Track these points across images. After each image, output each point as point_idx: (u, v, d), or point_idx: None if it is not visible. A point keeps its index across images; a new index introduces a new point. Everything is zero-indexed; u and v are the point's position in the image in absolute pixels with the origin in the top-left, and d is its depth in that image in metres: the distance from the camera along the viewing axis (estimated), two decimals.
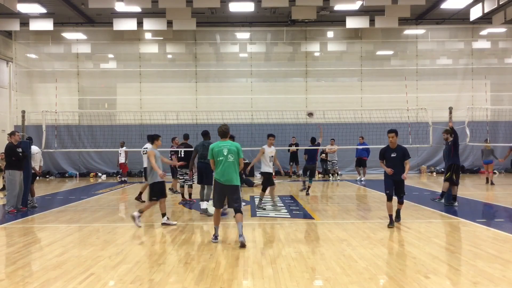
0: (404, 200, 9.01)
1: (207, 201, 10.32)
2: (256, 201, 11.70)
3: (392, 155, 8.64)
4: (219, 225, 7.65)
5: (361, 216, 10.05)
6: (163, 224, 9.02)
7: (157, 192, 8.95)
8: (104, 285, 5.28)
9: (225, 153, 7.30)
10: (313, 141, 14.66)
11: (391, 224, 8.61)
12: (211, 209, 9.46)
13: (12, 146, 10.83)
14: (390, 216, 8.73)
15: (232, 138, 10.07)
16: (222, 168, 7.29)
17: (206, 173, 10.28)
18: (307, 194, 14.13)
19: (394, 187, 8.67)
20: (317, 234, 8.10)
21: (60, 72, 23.26)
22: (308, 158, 14.54)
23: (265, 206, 11.28)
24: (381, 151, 8.81)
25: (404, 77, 22.97)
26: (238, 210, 7.41)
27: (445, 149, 11.56)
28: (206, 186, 10.39)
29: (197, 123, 21.64)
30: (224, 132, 7.52)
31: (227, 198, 7.56)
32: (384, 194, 8.81)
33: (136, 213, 8.71)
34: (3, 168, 13.61)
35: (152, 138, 9.32)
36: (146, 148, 11.61)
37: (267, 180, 11.03)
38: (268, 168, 11.00)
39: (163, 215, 9.10)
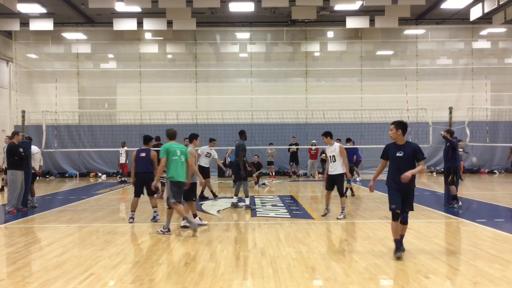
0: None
1: (247, 197, 11.30)
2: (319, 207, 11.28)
3: (398, 154, 6.40)
4: (171, 217, 8.36)
5: (361, 216, 10.04)
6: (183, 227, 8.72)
7: (194, 192, 9.06)
8: (104, 285, 5.28)
9: (178, 154, 8.12)
10: (348, 140, 14.65)
11: (398, 251, 6.37)
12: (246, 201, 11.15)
13: (15, 146, 10.87)
14: (395, 241, 6.48)
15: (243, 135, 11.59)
16: (176, 167, 8.07)
17: (235, 170, 11.43)
18: (353, 195, 13.53)
19: (400, 198, 6.40)
20: (317, 234, 8.10)
21: (60, 72, 23.25)
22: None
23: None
24: (385, 148, 6.70)
25: (404, 77, 22.97)
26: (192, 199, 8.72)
27: (445, 149, 11.53)
28: (238, 182, 11.44)
29: (197, 123, 21.65)
30: (173, 134, 8.42)
31: (184, 192, 8.36)
32: (387, 200, 6.66)
33: (193, 222, 8.63)
34: (1, 168, 13.61)
35: (192, 138, 9.33)
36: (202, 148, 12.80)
37: (330, 183, 9.84)
38: (330, 169, 9.78)
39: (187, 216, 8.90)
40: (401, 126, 6.48)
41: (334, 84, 24.00)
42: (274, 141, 20.36)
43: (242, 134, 11.73)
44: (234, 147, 11.92)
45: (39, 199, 12.94)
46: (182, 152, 8.19)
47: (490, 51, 24.00)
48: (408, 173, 6.24)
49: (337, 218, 9.59)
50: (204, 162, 12.96)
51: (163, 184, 13.07)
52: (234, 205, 11.36)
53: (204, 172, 12.74)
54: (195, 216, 9.01)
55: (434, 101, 21.04)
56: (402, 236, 6.57)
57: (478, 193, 14.38)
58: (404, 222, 6.54)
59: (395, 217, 6.45)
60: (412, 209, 6.50)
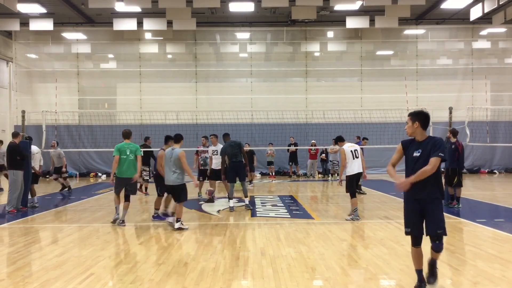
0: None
1: (246, 196, 11.24)
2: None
3: (415, 153, 4.75)
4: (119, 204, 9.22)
5: (361, 216, 10.03)
6: (177, 228, 8.53)
7: (185, 194, 8.79)
8: (104, 285, 5.28)
9: (128, 153, 9.05)
10: (359, 138, 14.94)
11: (420, 285, 4.83)
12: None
13: (16, 146, 10.89)
14: (418, 272, 4.89)
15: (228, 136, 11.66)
16: (124, 165, 9.00)
17: (240, 171, 11.12)
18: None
19: (421, 218, 4.79)
20: (317, 234, 8.09)
21: (60, 72, 23.24)
22: None
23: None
24: (402, 144, 4.96)
25: (404, 77, 22.96)
26: (128, 200, 9.19)
27: (448, 151, 11.45)
28: (242, 182, 11.29)
29: (197, 123, 21.65)
30: (126, 134, 9.36)
31: (125, 188, 9.15)
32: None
33: (171, 219, 8.82)
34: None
35: (179, 139, 8.98)
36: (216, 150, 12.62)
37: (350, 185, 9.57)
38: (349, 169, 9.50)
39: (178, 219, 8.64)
40: (418, 117, 4.76)
41: (334, 84, 24.00)
42: (274, 141, 20.37)
43: (226, 136, 11.69)
44: (224, 152, 11.32)
45: (39, 199, 12.93)
46: (132, 151, 9.12)
47: (490, 51, 23.98)
48: (406, 180, 4.66)
49: (346, 219, 9.52)
50: (215, 163, 12.37)
51: (145, 180, 14.09)
52: (232, 209, 10.86)
53: (217, 174, 12.22)
54: (178, 220, 8.55)
55: (434, 101, 21.02)
56: (433, 261, 4.96)
57: (478, 193, 14.37)
58: (437, 248, 4.84)
59: (414, 242, 4.84)
60: (443, 233, 4.79)
